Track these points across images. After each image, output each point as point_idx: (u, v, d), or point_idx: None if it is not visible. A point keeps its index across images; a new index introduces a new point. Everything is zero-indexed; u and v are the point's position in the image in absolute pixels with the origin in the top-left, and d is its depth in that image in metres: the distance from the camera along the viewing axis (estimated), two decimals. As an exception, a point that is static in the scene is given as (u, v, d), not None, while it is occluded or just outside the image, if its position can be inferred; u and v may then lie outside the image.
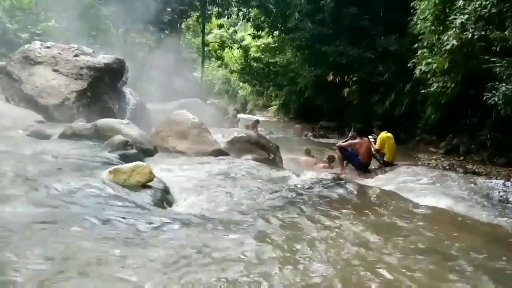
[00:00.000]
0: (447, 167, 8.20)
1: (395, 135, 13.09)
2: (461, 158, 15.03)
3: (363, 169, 9.34)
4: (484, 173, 12.95)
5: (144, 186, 3.40)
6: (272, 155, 8.27)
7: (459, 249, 2.60)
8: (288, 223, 2.90)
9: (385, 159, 9.69)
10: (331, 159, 11.16)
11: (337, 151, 10.22)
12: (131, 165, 3.43)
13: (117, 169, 3.39)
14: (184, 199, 3.52)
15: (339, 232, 2.76)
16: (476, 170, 12.56)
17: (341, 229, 2.83)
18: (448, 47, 12.16)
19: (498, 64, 10.05)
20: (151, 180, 3.43)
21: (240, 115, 25.67)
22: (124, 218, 2.57)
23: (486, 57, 10.41)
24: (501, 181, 5.53)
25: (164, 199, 3.32)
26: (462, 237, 2.94)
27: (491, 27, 11.03)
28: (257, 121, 19.05)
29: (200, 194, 3.64)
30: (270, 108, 36.02)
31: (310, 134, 21.98)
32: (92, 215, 2.50)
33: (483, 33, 11.22)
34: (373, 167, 9.71)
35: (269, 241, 2.47)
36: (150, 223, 2.55)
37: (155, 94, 16.04)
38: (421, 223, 3.13)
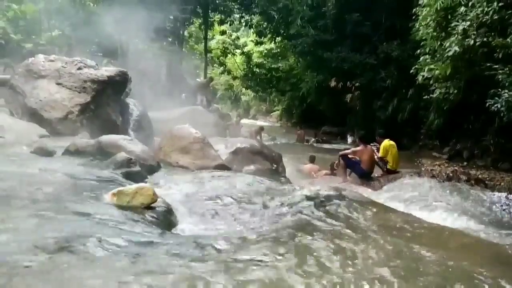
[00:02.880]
0: (450, 174, 8.18)
1: (398, 141, 13.10)
2: (465, 163, 15.00)
3: (366, 177, 9.35)
4: (488, 179, 12.93)
5: (148, 207, 3.41)
6: (275, 165, 8.29)
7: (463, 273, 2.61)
8: (291, 245, 2.90)
9: (388, 166, 9.70)
10: (333, 167, 11.19)
11: (340, 159, 10.24)
12: (134, 187, 3.46)
13: (120, 191, 3.41)
14: (188, 219, 3.54)
15: (344, 255, 2.78)
16: (480, 176, 12.53)
17: (345, 251, 2.85)
18: (450, 53, 12.18)
19: (500, 71, 10.06)
20: (154, 201, 3.45)
21: (243, 121, 25.76)
22: (127, 242, 2.58)
23: (488, 64, 10.43)
24: (504, 194, 5.52)
25: (168, 220, 3.34)
26: (467, 258, 2.94)
27: (493, 33, 11.04)
28: (262, 128, 19.09)
29: (203, 214, 3.67)
30: (273, 113, 36.10)
31: (313, 139, 22.01)
32: (95, 243, 2.51)
33: (485, 39, 11.23)
34: (376, 175, 9.71)
35: (277, 264, 2.47)
36: (154, 248, 2.56)
37: (158, 101, 16.08)
38: (426, 245, 3.14)
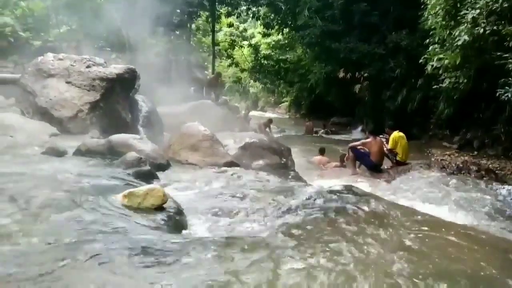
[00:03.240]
0: (461, 165, 8.15)
1: (407, 131, 13.04)
2: (475, 153, 14.92)
3: (375, 169, 9.36)
4: (498, 168, 12.85)
5: (158, 208, 3.46)
6: (284, 159, 8.31)
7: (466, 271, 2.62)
8: (304, 244, 2.93)
9: (398, 158, 9.70)
10: (343, 158, 11.19)
11: (349, 151, 10.24)
12: (145, 189, 3.50)
13: (131, 193, 3.45)
14: (198, 220, 3.58)
15: (351, 253, 2.81)
16: (490, 166, 12.46)
17: (353, 250, 2.87)
18: (459, 42, 12.06)
19: (510, 60, 9.96)
20: (164, 202, 3.50)
21: (252, 113, 25.76)
22: (137, 245, 2.62)
23: (498, 53, 10.32)
24: (513, 188, 5.51)
25: (178, 221, 3.38)
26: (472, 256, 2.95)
27: (503, 22, 10.91)
28: (270, 121, 19.09)
29: (214, 213, 3.70)
30: (281, 104, 36.06)
31: (322, 131, 21.98)
32: (107, 245, 2.56)
33: (495, 28, 11.10)
34: (385, 167, 9.71)
35: (288, 266, 2.51)
36: (164, 250, 2.60)
37: (167, 96, 16.14)
38: (433, 242, 3.15)
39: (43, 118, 7.69)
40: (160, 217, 3.31)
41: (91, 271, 2.17)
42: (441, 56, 13.38)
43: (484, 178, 7.74)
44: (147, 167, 4.73)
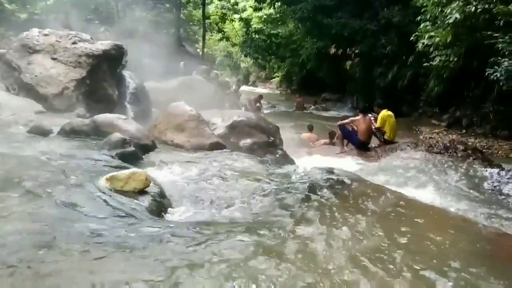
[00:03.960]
0: (448, 144, 8.19)
1: (397, 108, 13.07)
2: (464, 131, 15.04)
3: (363, 147, 9.44)
4: (486, 147, 12.95)
5: (141, 191, 3.47)
6: (272, 138, 8.32)
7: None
8: (288, 230, 2.96)
9: (385, 137, 9.76)
10: (332, 135, 11.27)
11: (337, 129, 10.30)
12: (127, 172, 3.50)
13: (113, 176, 3.45)
14: (181, 203, 3.60)
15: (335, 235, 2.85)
16: (477, 145, 12.56)
17: (337, 231, 2.92)
18: (451, 20, 12.03)
19: (500, 40, 9.97)
20: (147, 186, 3.50)
21: (243, 88, 25.64)
22: (116, 228, 2.64)
23: (488, 32, 10.32)
24: (496, 170, 5.57)
25: (160, 205, 3.39)
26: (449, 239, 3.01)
27: (494, 0, 10.86)
28: (261, 96, 19.04)
29: (197, 197, 3.72)
30: (272, 80, 35.87)
31: (313, 107, 21.98)
32: (87, 229, 2.58)
33: (486, 6, 11.06)
34: (373, 145, 9.78)
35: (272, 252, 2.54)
36: (144, 234, 2.62)
37: (156, 70, 15.96)
38: (411, 226, 3.21)
39: (28, 95, 7.59)
40: (141, 200, 3.32)
41: (68, 259, 2.17)
42: (432, 33, 13.35)
43: (470, 158, 7.80)
44: (132, 148, 4.72)
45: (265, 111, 18.64)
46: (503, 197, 4.80)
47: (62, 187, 3.28)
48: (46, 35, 8.22)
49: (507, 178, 5.18)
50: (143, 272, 2.10)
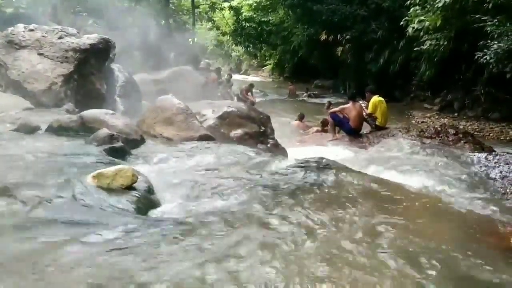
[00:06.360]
0: (439, 129, 8.23)
1: (389, 93, 13.05)
2: (455, 114, 15.10)
3: (354, 134, 9.46)
4: (477, 130, 13.00)
5: (128, 188, 3.46)
6: (263, 127, 8.31)
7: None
8: (269, 218, 2.99)
9: (377, 123, 9.77)
10: (324, 123, 11.28)
11: (329, 117, 10.32)
12: (114, 169, 3.48)
13: (100, 174, 3.44)
14: (170, 198, 3.59)
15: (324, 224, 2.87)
16: (469, 128, 12.60)
17: (327, 220, 2.94)
18: (440, 4, 12.00)
19: (489, 23, 9.97)
20: (134, 182, 3.49)
21: (235, 76, 25.50)
22: (104, 226, 2.64)
23: (477, 16, 10.31)
24: (484, 155, 5.60)
25: (147, 202, 3.38)
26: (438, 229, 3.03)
27: (483, -17, 10.82)
28: (252, 85, 18.93)
29: (186, 191, 3.70)
30: (264, 67, 35.70)
31: (305, 94, 21.92)
32: (72, 228, 2.58)
33: (475, -11, 11.02)
34: (365, 131, 9.80)
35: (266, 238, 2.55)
36: (131, 231, 2.62)
37: (146, 62, 15.86)
38: (401, 214, 3.23)
39: (16, 92, 7.52)
40: (129, 197, 3.31)
41: (52, 258, 2.17)
42: (422, 18, 13.32)
43: (461, 141, 7.84)
44: (120, 144, 4.69)
45: (257, 100, 18.57)
46: (490, 181, 4.84)
47: (47, 187, 3.26)
48: (31, 30, 8.13)
49: (494, 163, 5.22)
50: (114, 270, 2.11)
